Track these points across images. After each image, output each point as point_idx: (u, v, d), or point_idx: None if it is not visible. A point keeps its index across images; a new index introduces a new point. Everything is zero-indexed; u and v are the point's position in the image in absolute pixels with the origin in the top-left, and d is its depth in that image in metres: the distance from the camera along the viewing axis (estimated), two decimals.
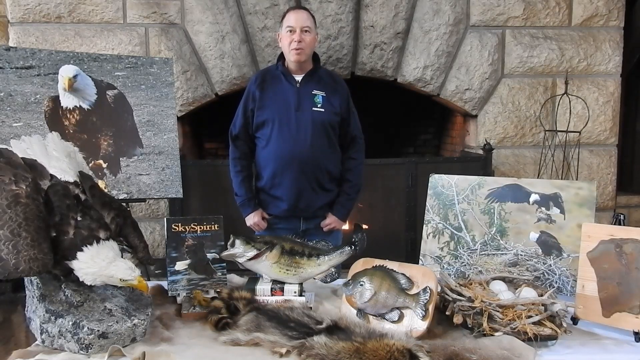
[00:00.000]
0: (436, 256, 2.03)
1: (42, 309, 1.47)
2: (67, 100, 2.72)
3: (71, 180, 1.60)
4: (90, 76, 2.78)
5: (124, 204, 2.12)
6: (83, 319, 1.43)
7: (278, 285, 1.76)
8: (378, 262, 1.70)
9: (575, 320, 1.64)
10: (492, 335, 1.48)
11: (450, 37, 3.68)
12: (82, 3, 3.47)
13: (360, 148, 2.45)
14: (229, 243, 1.76)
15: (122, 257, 1.54)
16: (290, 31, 2.26)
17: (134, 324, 1.47)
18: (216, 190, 3.47)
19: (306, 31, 2.26)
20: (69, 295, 1.50)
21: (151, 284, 1.85)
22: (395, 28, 3.63)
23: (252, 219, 2.40)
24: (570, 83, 3.68)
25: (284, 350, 1.42)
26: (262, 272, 1.79)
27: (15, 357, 1.41)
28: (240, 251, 1.74)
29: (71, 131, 2.71)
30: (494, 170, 3.69)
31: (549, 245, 1.90)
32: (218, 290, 1.77)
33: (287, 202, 2.33)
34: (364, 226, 3.17)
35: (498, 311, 1.50)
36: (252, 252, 1.74)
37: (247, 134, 2.38)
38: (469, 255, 1.98)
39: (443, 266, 2.00)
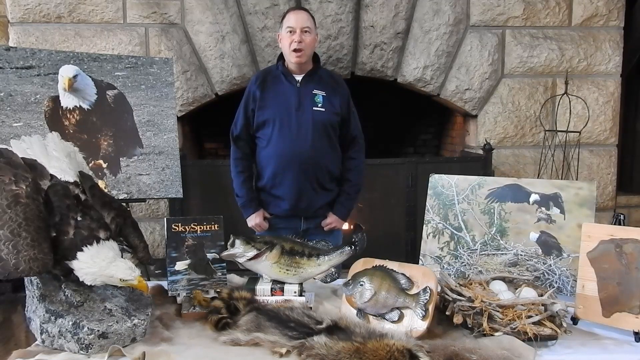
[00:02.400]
0: (436, 256, 2.03)
1: (42, 309, 1.47)
2: (67, 100, 2.72)
3: (71, 180, 1.60)
4: (90, 76, 2.78)
5: (124, 204, 2.12)
6: (83, 319, 1.43)
7: (278, 285, 1.76)
8: (378, 262, 1.70)
9: (575, 320, 1.64)
10: (492, 335, 1.48)
11: (450, 37, 3.68)
12: (82, 3, 3.47)
13: (360, 148, 2.45)
14: (229, 243, 1.76)
15: (122, 257, 1.54)
16: (291, 32, 2.26)
17: (134, 324, 1.47)
18: (216, 190, 3.47)
19: (306, 32, 2.26)
20: (69, 295, 1.50)
21: (151, 284, 1.85)
22: (395, 28, 3.63)
23: (254, 220, 2.39)
24: (570, 83, 3.68)
25: (284, 350, 1.42)
26: (262, 272, 1.79)
27: (15, 357, 1.41)
28: (240, 251, 1.74)
29: (71, 131, 2.71)
30: (494, 170, 3.69)
31: (549, 245, 1.90)
32: (218, 290, 1.77)
33: (288, 202, 2.33)
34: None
35: (498, 311, 1.50)
36: (252, 252, 1.74)
37: (249, 134, 2.38)
38: (469, 255, 1.98)
39: (443, 266, 2.00)
